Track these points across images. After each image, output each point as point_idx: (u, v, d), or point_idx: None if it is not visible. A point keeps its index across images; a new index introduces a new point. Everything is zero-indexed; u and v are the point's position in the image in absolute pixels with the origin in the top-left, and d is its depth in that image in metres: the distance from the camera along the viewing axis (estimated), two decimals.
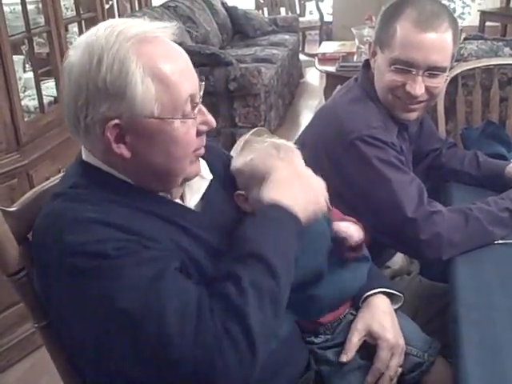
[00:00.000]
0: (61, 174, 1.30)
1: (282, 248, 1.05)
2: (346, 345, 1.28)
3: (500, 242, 1.49)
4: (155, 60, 1.02)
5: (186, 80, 1.05)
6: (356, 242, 1.29)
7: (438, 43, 1.50)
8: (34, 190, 1.25)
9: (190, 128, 1.06)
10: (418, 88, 1.52)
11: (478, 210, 1.52)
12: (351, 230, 1.30)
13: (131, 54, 1.00)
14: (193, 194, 1.18)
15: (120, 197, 1.06)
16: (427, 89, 1.54)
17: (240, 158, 1.31)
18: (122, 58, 1.00)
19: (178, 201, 1.16)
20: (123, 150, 1.04)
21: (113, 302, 0.95)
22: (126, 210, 1.04)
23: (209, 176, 1.21)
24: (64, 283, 0.99)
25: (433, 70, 1.52)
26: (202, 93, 1.10)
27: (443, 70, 1.54)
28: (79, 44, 1.04)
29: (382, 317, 1.29)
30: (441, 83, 1.57)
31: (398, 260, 1.86)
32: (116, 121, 1.01)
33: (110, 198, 1.05)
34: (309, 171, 1.20)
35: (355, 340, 1.27)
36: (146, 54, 1.02)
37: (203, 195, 1.19)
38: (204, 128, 1.10)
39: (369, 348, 1.29)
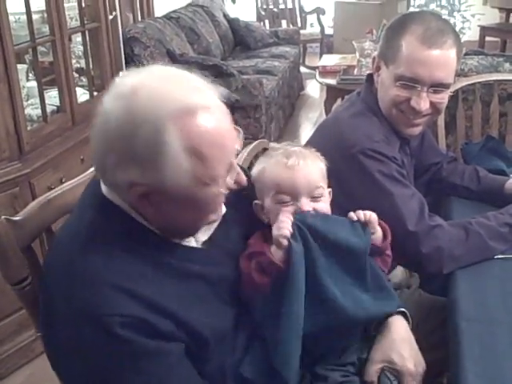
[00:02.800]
0: (64, 185, 1.31)
1: None
2: (365, 378, 1.24)
3: (500, 256, 1.50)
4: (194, 135, 0.98)
5: (226, 150, 1.03)
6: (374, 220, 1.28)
7: (443, 60, 1.51)
8: (38, 199, 1.25)
9: (222, 191, 1.05)
10: (423, 104, 1.53)
11: (479, 224, 1.53)
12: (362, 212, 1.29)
13: (171, 127, 0.96)
14: (205, 230, 1.17)
15: (133, 242, 1.05)
16: (432, 103, 1.56)
17: (256, 166, 1.33)
18: (160, 130, 0.96)
19: (190, 241, 1.15)
20: (147, 209, 1.02)
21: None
22: (140, 262, 1.03)
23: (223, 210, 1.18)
24: (66, 341, 1.01)
25: (437, 87, 1.54)
26: (241, 143, 1.09)
27: (447, 86, 1.56)
28: (118, 96, 0.99)
29: (400, 345, 1.24)
30: (445, 98, 1.59)
31: (398, 273, 1.87)
32: (144, 188, 0.99)
33: (125, 243, 1.04)
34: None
35: (373, 372, 1.23)
36: (187, 129, 0.97)
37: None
38: (234, 186, 1.09)
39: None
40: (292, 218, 1.20)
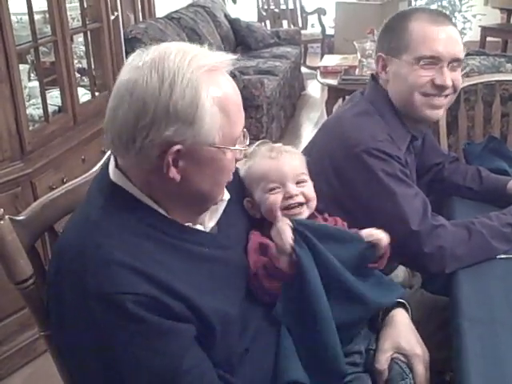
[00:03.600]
0: (66, 185, 1.31)
1: None
2: (376, 366, 1.26)
3: (502, 256, 1.50)
4: (222, 91, 1.05)
5: (242, 113, 1.09)
6: (385, 245, 1.29)
7: (455, 35, 1.58)
8: (40, 199, 1.25)
9: (235, 157, 1.11)
10: (448, 79, 1.56)
11: (481, 224, 1.53)
12: (378, 233, 1.28)
13: (202, 83, 1.02)
14: (212, 216, 1.21)
15: (143, 226, 1.06)
16: (452, 81, 1.58)
17: (243, 167, 1.40)
18: (195, 85, 1.01)
19: (197, 226, 1.17)
20: (175, 174, 1.04)
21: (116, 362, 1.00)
22: (151, 245, 1.05)
23: (227, 196, 1.23)
24: (78, 322, 1.01)
25: (455, 62, 1.58)
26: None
27: (461, 62, 1.61)
28: (143, 64, 1.03)
29: (407, 333, 1.29)
30: (459, 76, 1.63)
31: (400, 273, 1.86)
32: (179, 146, 1.02)
33: (136, 227, 1.05)
34: None
35: (384, 360, 1.26)
36: (215, 85, 1.04)
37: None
38: (240, 156, 1.15)
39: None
40: (291, 224, 1.22)
